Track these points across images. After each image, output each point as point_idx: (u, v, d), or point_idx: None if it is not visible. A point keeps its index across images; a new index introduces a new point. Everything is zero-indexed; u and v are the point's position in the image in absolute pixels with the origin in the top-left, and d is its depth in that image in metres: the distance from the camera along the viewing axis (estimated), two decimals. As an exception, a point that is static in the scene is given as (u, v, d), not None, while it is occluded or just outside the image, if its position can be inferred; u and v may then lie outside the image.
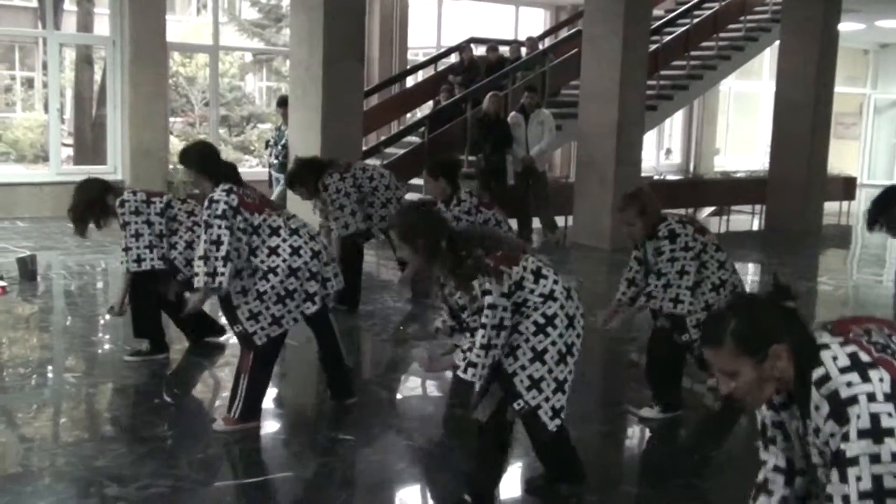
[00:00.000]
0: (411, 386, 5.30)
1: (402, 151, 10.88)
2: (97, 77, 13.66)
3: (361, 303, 6.63)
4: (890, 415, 1.94)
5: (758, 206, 12.58)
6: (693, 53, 13.02)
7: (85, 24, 13.71)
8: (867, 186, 17.94)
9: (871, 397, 1.95)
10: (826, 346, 2.06)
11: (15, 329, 6.05)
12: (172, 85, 15.40)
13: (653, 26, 10.80)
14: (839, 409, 1.98)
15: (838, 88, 12.26)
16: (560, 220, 10.16)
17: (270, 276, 4.05)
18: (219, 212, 4.00)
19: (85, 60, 13.75)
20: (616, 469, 4.14)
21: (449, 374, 4.28)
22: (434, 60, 13.75)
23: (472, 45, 12.95)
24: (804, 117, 11.35)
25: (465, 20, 15.91)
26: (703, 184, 13.34)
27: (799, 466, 2.25)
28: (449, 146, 10.32)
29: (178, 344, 5.49)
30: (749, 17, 13.66)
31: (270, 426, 4.35)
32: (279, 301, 4.07)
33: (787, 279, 2.26)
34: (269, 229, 4.12)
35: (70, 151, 13.99)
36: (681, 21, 12.98)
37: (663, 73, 12.42)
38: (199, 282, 4.04)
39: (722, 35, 13.33)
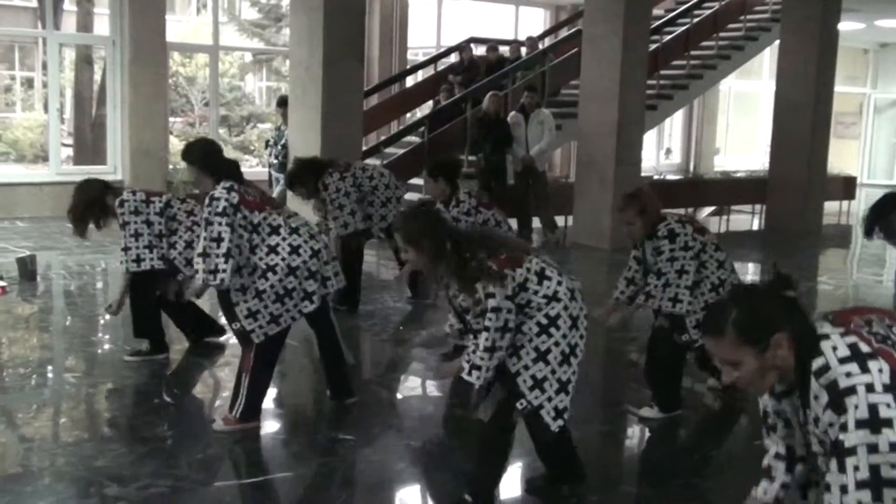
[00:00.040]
0: (411, 386, 5.30)
1: (401, 151, 10.88)
2: (97, 77, 13.66)
3: (361, 303, 6.63)
4: (888, 405, 1.96)
5: (758, 206, 12.58)
6: (693, 53, 13.02)
7: (85, 24, 13.71)
8: (867, 186, 17.96)
9: (870, 388, 1.97)
10: (826, 337, 2.08)
11: (15, 329, 6.05)
12: (172, 85, 15.41)
13: (653, 26, 10.80)
14: (838, 399, 2.00)
15: (838, 88, 12.26)
16: (560, 220, 10.16)
17: (269, 274, 4.05)
18: (219, 209, 4.00)
19: (85, 60, 13.75)
20: (616, 469, 4.14)
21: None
22: (434, 60, 13.75)
23: (472, 45, 12.95)
24: (804, 117, 11.35)
25: (465, 20, 15.91)
26: (703, 183, 13.33)
27: (800, 454, 2.28)
28: (449, 146, 10.32)
29: (178, 344, 5.49)
30: (749, 17, 13.67)
31: (270, 426, 4.35)
32: (278, 300, 4.07)
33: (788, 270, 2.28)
34: (268, 228, 4.11)
35: (70, 151, 13.99)
36: (681, 21, 12.99)
37: (663, 72, 12.42)
38: (198, 279, 4.04)
39: (722, 35, 13.33)
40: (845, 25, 12.58)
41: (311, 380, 5.16)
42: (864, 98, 19.84)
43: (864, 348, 2.03)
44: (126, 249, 4.91)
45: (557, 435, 3.30)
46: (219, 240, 3.97)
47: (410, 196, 8.82)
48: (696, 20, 12.97)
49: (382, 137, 11.76)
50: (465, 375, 3.19)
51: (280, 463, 3.96)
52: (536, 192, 9.71)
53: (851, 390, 1.98)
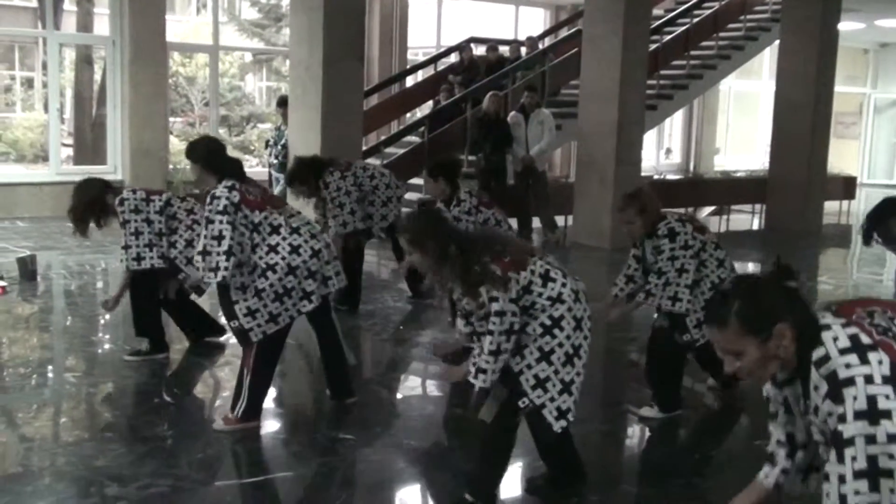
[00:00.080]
0: (411, 386, 5.30)
1: (402, 151, 10.89)
2: (97, 77, 13.66)
3: (361, 303, 6.63)
4: (887, 397, 1.97)
5: (758, 206, 12.58)
6: (693, 53, 13.03)
7: (85, 24, 13.72)
8: (867, 186, 17.95)
9: (869, 379, 1.99)
10: (828, 327, 2.09)
11: (15, 329, 6.05)
12: (172, 85, 15.41)
13: (653, 26, 10.80)
14: (836, 389, 2.02)
15: (838, 88, 12.26)
16: (560, 220, 10.16)
17: (269, 273, 4.05)
18: (220, 207, 4.00)
19: (85, 60, 13.75)
20: (616, 468, 4.13)
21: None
22: (434, 60, 13.76)
23: (472, 45, 12.95)
24: (804, 117, 11.35)
25: (465, 20, 15.91)
26: (703, 183, 13.34)
27: (801, 441, 2.31)
28: (449, 146, 10.32)
29: (178, 344, 5.49)
30: (749, 17, 13.67)
31: (270, 426, 4.35)
32: (277, 299, 4.07)
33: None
34: (269, 227, 4.11)
35: (70, 151, 14.00)
36: (681, 21, 12.99)
37: (663, 72, 12.42)
38: (198, 275, 4.05)
39: (722, 35, 13.34)
40: (845, 25, 12.58)
41: (310, 380, 5.16)
42: (864, 98, 19.84)
43: (865, 340, 2.04)
44: (126, 248, 4.91)
45: (559, 435, 3.30)
46: (220, 238, 3.97)
47: (410, 196, 8.84)
48: (696, 20, 12.97)
49: (382, 137, 11.76)
50: (471, 379, 3.20)
51: (280, 463, 3.96)
52: (536, 192, 9.71)
53: (850, 381, 2.00)
